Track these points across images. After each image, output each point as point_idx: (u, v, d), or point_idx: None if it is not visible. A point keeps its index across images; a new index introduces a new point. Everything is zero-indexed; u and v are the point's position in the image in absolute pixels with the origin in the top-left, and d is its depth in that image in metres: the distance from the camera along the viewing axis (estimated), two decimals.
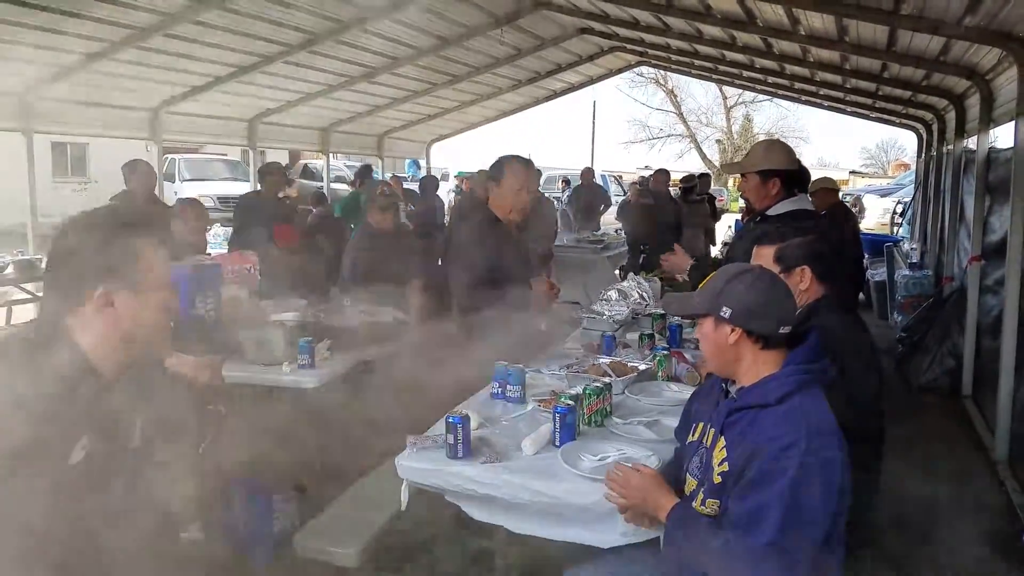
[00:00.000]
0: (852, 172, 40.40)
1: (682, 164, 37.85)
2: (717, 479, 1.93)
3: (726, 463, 1.92)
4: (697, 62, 10.58)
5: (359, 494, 3.19)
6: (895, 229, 13.87)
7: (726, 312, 1.96)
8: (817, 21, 6.24)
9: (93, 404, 1.62)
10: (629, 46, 10.66)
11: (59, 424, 1.54)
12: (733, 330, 1.96)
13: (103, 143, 14.09)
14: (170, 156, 18.14)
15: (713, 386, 2.21)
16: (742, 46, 8.35)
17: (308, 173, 21.58)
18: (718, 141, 38.96)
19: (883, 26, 5.64)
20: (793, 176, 3.62)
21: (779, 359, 1.97)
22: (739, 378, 2.03)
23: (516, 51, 10.36)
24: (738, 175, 4.00)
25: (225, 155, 21.17)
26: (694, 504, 1.99)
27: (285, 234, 5.82)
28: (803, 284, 2.51)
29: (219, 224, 9.98)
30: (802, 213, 3.51)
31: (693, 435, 2.15)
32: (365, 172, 9.60)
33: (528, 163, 3.72)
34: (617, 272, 9.03)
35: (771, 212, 3.51)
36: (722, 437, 1.98)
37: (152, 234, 1.70)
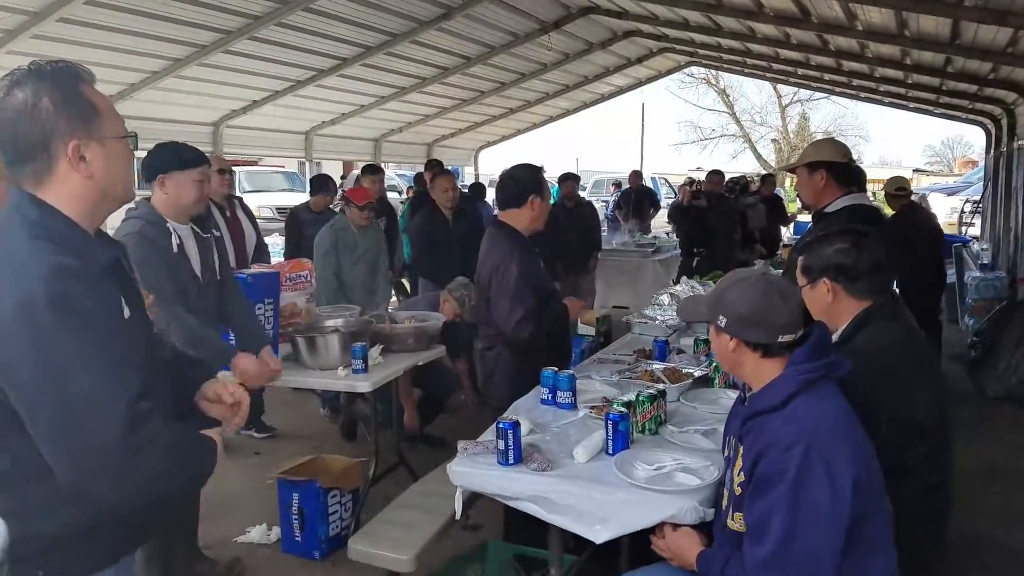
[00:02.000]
0: (916, 170, 39.18)
1: (736, 165, 37.29)
2: (737, 491, 1.90)
3: (742, 473, 1.89)
4: (750, 61, 10.42)
5: (412, 499, 3.19)
6: (963, 229, 13.38)
7: (722, 321, 1.95)
8: (875, 15, 6.07)
9: (107, 266, 1.52)
10: (679, 47, 10.55)
11: (100, 286, 1.46)
12: (731, 338, 1.94)
13: None
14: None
15: (739, 397, 2.16)
16: (797, 43, 8.18)
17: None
18: (773, 140, 38.21)
19: (946, 18, 5.45)
20: (846, 173, 3.50)
21: (775, 363, 1.93)
22: (750, 383, 2.00)
23: (564, 56, 10.37)
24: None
25: (283, 167, 21.65)
26: (728, 520, 1.96)
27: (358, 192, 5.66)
28: (829, 297, 2.35)
29: (277, 233, 10.18)
30: (861, 211, 3.39)
31: (727, 449, 2.12)
32: (423, 182, 9.69)
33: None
34: (671, 279, 8.93)
35: (829, 209, 3.41)
36: (741, 447, 1.94)
37: (85, 73, 1.55)
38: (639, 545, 2.30)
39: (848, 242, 2.37)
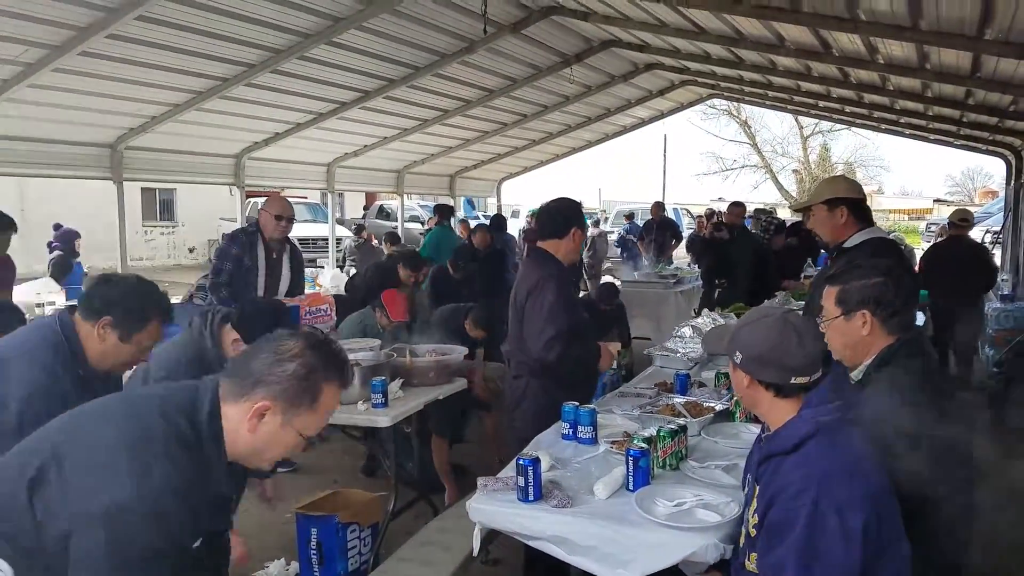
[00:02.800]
0: (936, 200, 38.95)
1: (757, 195, 37.21)
2: (752, 532, 1.89)
3: (756, 514, 1.87)
4: (771, 93, 10.43)
5: (431, 536, 3.17)
6: None
7: (738, 357, 1.95)
8: (897, 49, 6.08)
9: (218, 497, 1.70)
10: (700, 79, 10.59)
11: (194, 512, 1.60)
12: (746, 375, 1.94)
13: (191, 188, 14.77)
14: (252, 200, 18.84)
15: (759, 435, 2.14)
16: (818, 76, 8.20)
17: (384, 214, 22.13)
18: (795, 171, 38.12)
19: (966, 52, 5.45)
20: (863, 208, 3.52)
21: (790, 404, 1.92)
22: (767, 421, 1.99)
23: (586, 88, 10.45)
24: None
25: (305, 198, 21.92)
26: (746, 561, 1.93)
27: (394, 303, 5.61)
28: (864, 330, 2.30)
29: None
30: (883, 244, 3.39)
31: (746, 486, 2.10)
32: (446, 211, 9.76)
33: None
34: (692, 311, 8.87)
35: (848, 244, 3.41)
36: (757, 487, 1.93)
37: (340, 380, 1.74)
38: None
39: (883, 275, 2.36)
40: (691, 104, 13.90)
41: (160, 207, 23.02)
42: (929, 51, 5.88)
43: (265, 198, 4.94)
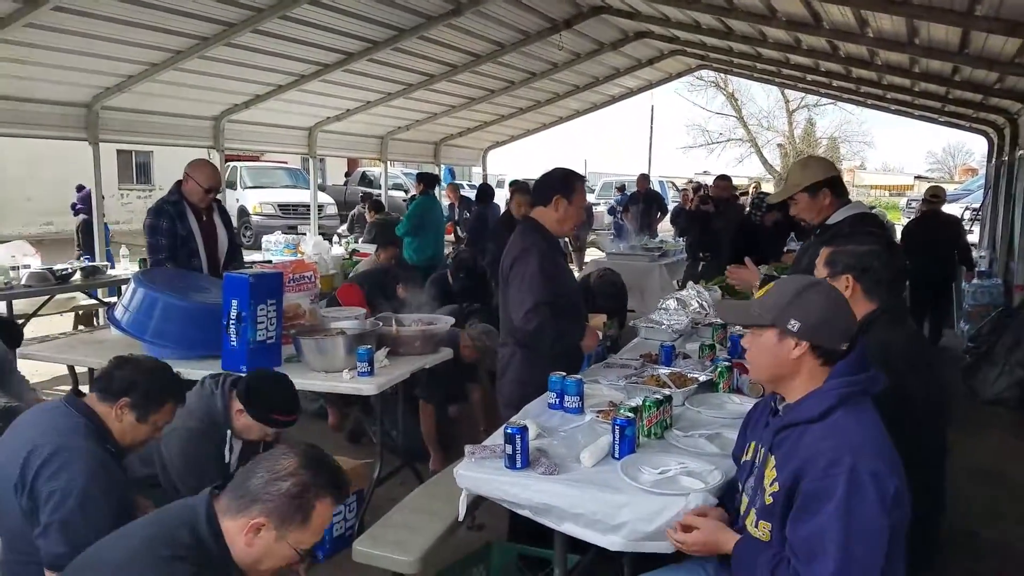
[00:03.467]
0: (918, 177, 39.25)
1: (742, 169, 37.31)
2: (768, 500, 1.89)
3: (776, 483, 1.88)
4: (760, 65, 10.39)
5: (417, 502, 3.19)
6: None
7: (794, 325, 1.91)
8: (887, 23, 6.06)
9: None
10: (690, 49, 10.52)
11: None
12: (798, 344, 1.91)
13: (167, 150, 14.53)
14: (232, 164, 18.58)
15: (767, 403, 2.15)
16: (807, 49, 8.17)
17: (366, 180, 21.94)
18: (780, 145, 38.20)
19: (956, 27, 5.44)
20: (840, 184, 3.56)
21: (825, 374, 1.93)
22: (788, 394, 1.99)
23: (575, 56, 10.33)
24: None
25: (285, 162, 21.65)
26: (747, 523, 1.96)
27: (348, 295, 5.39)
28: (847, 293, 2.39)
29: (280, 232, 10.16)
30: (864, 218, 3.44)
31: (747, 454, 2.11)
32: (430, 180, 9.64)
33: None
34: (675, 282, 8.90)
35: (832, 220, 3.44)
36: (772, 456, 1.93)
37: (334, 496, 1.86)
38: None
39: (881, 246, 2.49)
40: (680, 75, 13.81)
41: (137, 170, 22.68)
42: (919, 25, 5.86)
43: (189, 163, 4.79)
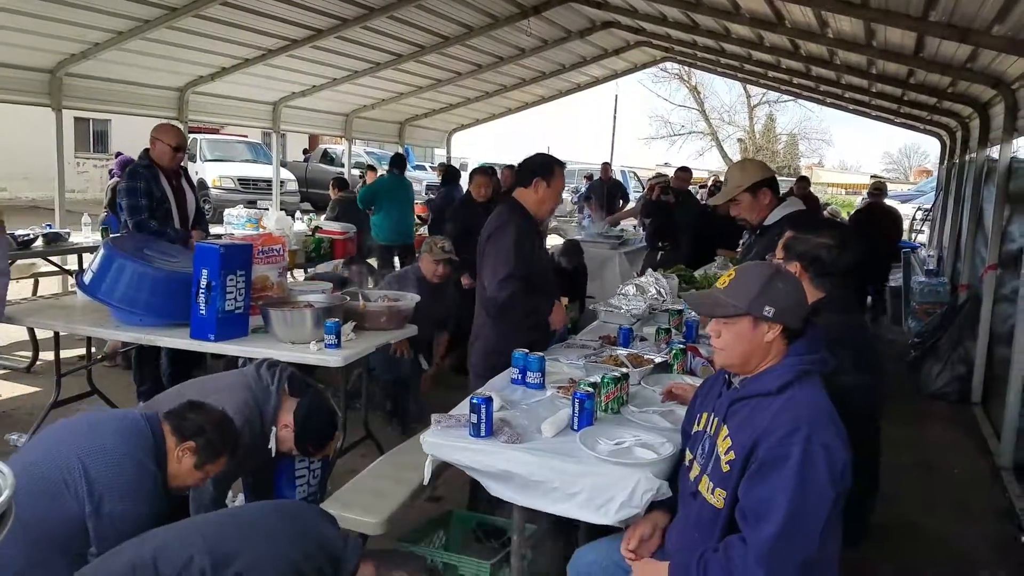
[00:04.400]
0: (873, 176, 40.08)
1: (702, 162, 37.76)
2: (725, 468, 2.01)
3: (731, 451, 2.00)
4: (723, 60, 10.59)
5: (383, 470, 3.28)
6: (913, 236, 13.82)
7: (769, 311, 2.03)
8: (846, 24, 6.26)
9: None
10: (655, 41, 10.67)
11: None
12: (771, 328, 2.04)
13: (125, 120, 14.23)
14: (193, 136, 18.24)
15: (717, 378, 2.28)
16: (769, 46, 8.37)
17: (328, 158, 21.72)
18: (740, 140, 38.76)
19: (911, 32, 5.65)
20: (776, 183, 3.71)
21: (782, 352, 2.06)
22: (750, 371, 2.10)
23: (542, 42, 10.40)
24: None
25: (246, 136, 21.32)
26: (700, 489, 2.08)
27: None
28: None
29: (242, 205, 10.06)
30: (800, 216, 3.53)
31: (698, 424, 2.24)
32: (399, 161, 9.62)
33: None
34: (635, 272, 9.06)
35: (768, 221, 3.57)
36: (725, 426, 2.06)
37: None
38: None
39: (836, 240, 2.61)
40: (645, 66, 13.98)
41: (94, 138, 22.14)
42: (876, 28, 6.07)
43: (155, 127, 4.87)
